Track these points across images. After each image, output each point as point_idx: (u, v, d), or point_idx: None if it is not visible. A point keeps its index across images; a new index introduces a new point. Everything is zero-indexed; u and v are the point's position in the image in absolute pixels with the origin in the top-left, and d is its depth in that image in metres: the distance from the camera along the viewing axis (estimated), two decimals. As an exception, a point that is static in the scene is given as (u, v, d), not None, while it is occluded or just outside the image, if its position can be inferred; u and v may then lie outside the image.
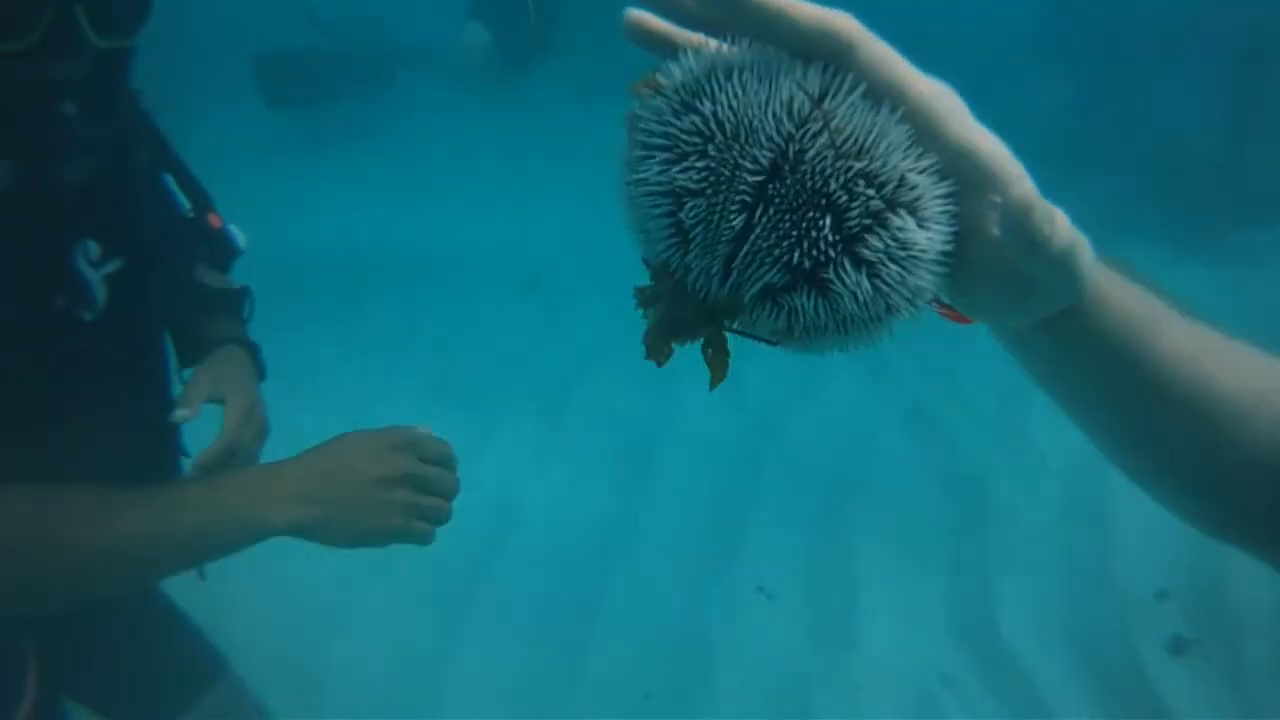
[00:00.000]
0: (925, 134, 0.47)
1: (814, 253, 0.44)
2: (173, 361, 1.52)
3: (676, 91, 0.47)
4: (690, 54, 0.48)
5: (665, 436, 3.83)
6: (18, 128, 1.13)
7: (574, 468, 3.67)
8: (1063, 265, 0.47)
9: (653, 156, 0.46)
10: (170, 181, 1.47)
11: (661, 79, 0.48)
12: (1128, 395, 0.59)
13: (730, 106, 0.45)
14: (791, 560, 3.24)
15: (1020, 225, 0.45)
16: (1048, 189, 0.46)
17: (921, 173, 0.46)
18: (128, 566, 1.20)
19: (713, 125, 0.45)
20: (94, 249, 1.29)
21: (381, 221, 5.66)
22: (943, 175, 0.47)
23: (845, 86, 0.45)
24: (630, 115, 0.49)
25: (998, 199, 0.46)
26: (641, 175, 0.47)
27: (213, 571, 1.39)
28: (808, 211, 0.44)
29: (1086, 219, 0.48)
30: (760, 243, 0.45)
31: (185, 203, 1.49)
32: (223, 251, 1.57)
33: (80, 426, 1.27)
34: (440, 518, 1.29)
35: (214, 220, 1.53)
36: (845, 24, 0.46)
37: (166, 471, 1.47)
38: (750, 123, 0.44)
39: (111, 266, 1.30)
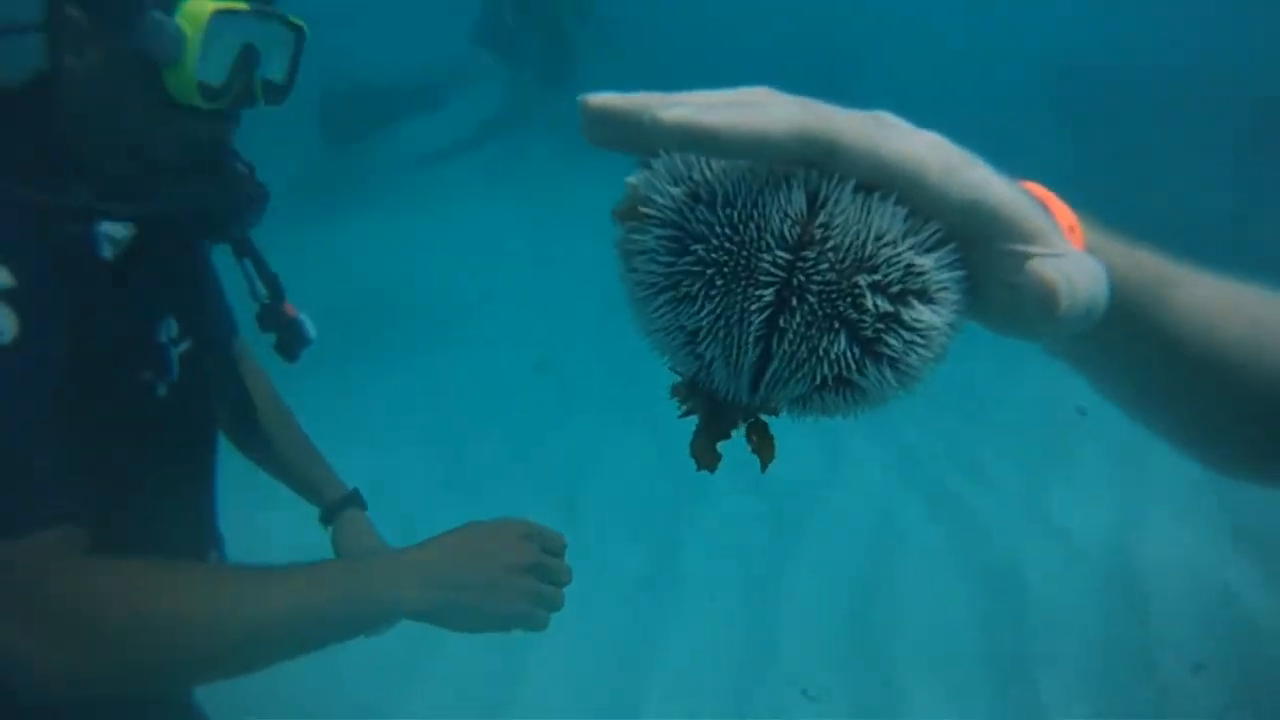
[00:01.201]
0: (924, 197, 0.45)
1: (835, 369, 0.45)
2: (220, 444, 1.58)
3: (663, 227, 0.46)
4: (667, 177, 0.46)
5: (687, 529, 3.82)
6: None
7: (595, 564, 3.62)
8: (1087, 318, 0.46)
9: (657, 295, 0.46)
10: (249, 267, 1.49)
11: (644, 208, 0.46)
12: (1148, 355, 0.63)
13: (723, 248, 0.44)
14: (831, 659, 3.24)
15: (1041, 302, 0.44)
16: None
17: (926, 250, 0.45)
18: (268, 643, 1.20)
19: (710, 269, 0.45)
20: (174, 326, 1.35)
21: (385, 279, 5.64)
22: (949, 235, 0.46)
23: (834, 195, 0.45)
24: (620, 246, 0.48)
25: (1017, 247, 0.46)
26: (650, 312, 0.47)
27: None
28: (822, 337, 0.45)
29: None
30: (781, 370, 0.46)
31: (262, 290, 1.51)
32: (294, 341, 1.58)
33: (144, 499, 1.31)
34: (557, 605, 1.36)
35: (289, 310, 1.55)
36: (821, 124, 0.44)
37: (204, 554, 1.51)
38: (748, 261, 0.44)
39: (185, 345, 1.37)
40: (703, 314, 0.45)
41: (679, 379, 0.50)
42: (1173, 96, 5.99)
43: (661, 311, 0.46)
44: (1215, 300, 0.65)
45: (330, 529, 1.71)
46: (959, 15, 7.34)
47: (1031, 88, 6.59)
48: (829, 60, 7.21)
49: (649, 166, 0.48)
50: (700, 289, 0.45)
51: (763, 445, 0.51)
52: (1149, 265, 0.59)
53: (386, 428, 4.48)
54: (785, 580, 3.57)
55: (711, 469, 0.50)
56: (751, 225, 0.44)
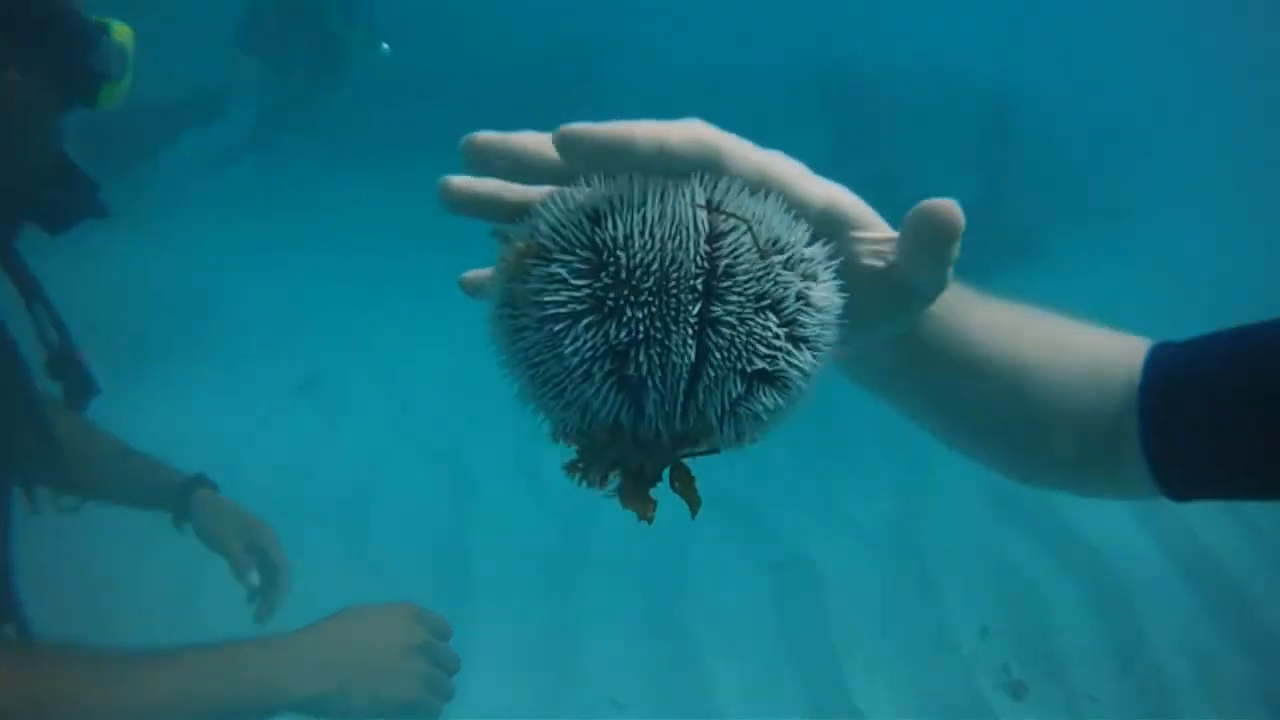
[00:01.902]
0: (793, 196, 0.52)
1: (768, 352, 0.46)
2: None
3: (570, 253, 0.46)
4: (551, 209, 0.48)
5: (477, 550, 3.71)
6: None
7: (387, 586, 3.45)
8: (941, 260, 0.55)
9: (570, 325, 0.45)
10: (39, 311, 1.48)
11: (541, 241, 0.47)
12: (954, 375, 0.70)
13: (645, 247, 0.45)
14: (636, 665, 3.21)
15: (942, 227, 0.53)
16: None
17: (811, 241, 0.50)
18: None
19: (638, 272, 0.45)
20: None
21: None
22: (815, 231, 0.51)
23: (732, 190, 0.48)
24: (501, 308, 0.48)
25: (859, 235, 0.56)
26: (563, 350, 0.45)
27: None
28: (755, 318, 0.46)
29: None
30: (717, 365, 0.46)
31: (52, 335, 1.50)
32: (82, 390, 1.57)
33: None
34: (449, 694, 1.32)
35: (77, 356, 1.54)
36: (708, 134, 0.50)
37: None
38: (674, 255, 0.45)
39: None
40: (638, 319, 0.44)
41: (585, 443, 0.48)
42: (924, 95, 6.37)
43: (585, 338, 0.45)
44: (1009, 319, 0.75)
45: (187, 525, 1.71)
46: (725, 14, 7.54)
47: (792, 85, 6.82)
48: (586, 58, 7.23)
49: (506, 232, 0.50)
50: (627, 297, 0.45)
51: (688, 488, 0.51)
52: (949, 290, 0.62)
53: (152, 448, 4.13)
54: (579, 590, 3.52)
55: (651, 519, 0.50)
56: (666, 221, 0.45)
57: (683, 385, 0.46)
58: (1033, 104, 7.03)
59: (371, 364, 4.81)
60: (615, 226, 0.45)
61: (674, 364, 0.45)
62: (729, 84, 6.74)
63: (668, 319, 0.45)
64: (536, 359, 0.47)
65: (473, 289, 0.58)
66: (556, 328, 0.45)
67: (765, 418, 0.48)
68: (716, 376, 0.46)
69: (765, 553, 3.70)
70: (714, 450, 0.50)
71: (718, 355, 0.45)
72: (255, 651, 1.23)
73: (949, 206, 0.52)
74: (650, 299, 0.44)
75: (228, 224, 6.07)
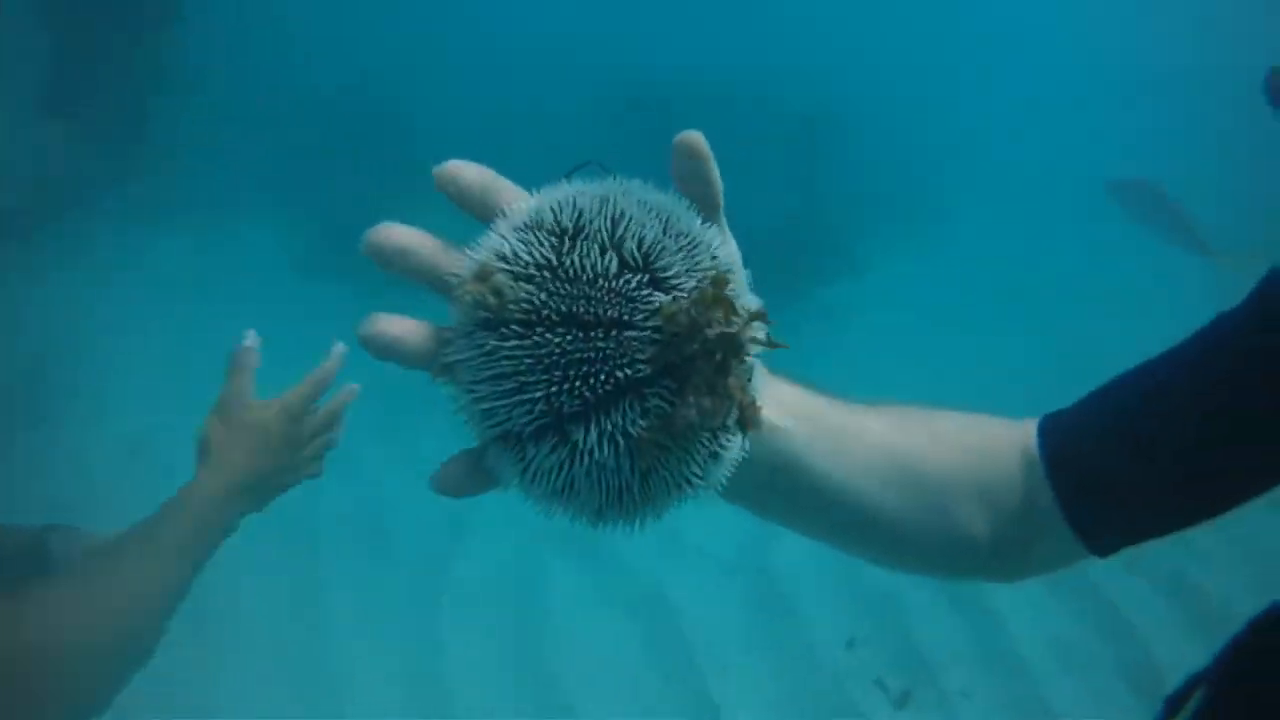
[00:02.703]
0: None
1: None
2: None
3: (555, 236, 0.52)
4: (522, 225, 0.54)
5: (335, 603, 3.50)
6: None
7: (245, 644, 3.25)
8: (705, 180, 0.60)
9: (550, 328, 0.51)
10: None
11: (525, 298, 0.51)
12: (849, 492, 0.74)
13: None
14: (508, 711, 3.12)
15: None
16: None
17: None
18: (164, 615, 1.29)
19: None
20: None
21: None
22: None
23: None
24: (469, 317, 0.52)
25: None
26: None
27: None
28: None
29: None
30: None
31: None
32: None
33: None
34: (334, 444, 1.54)
35: None
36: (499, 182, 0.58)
37: None
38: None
39: None
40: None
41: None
42: (734, 114, 6.48)
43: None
44: (885, 425, 0.78)
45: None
46: (529, 38, 7.53)
47: (604, 115, 6.84)
48: (393, 95, 7.10)
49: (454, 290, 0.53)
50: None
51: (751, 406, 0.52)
52: (819, 405, 0.71)
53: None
54: (443, 644, 3.38)
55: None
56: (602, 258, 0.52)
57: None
58: (846, 117, 7.26)
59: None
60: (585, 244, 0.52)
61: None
62: (540, 118, 6.73)
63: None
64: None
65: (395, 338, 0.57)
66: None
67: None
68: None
69: (623, 590, 3.65)
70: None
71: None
72: (191, 505, 1.35)
73: (689, 136, 0.57)
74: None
75: (54, 286, 5.72)
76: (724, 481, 0.57)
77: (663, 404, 0.51)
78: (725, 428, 0.53)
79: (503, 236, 0.53)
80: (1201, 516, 0.78)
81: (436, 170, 0.57)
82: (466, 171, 0.57)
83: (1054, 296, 5.91)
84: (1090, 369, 0.88)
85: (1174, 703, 0.76)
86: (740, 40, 7.40)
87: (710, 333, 0.49)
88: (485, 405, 0.52)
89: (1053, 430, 0.80)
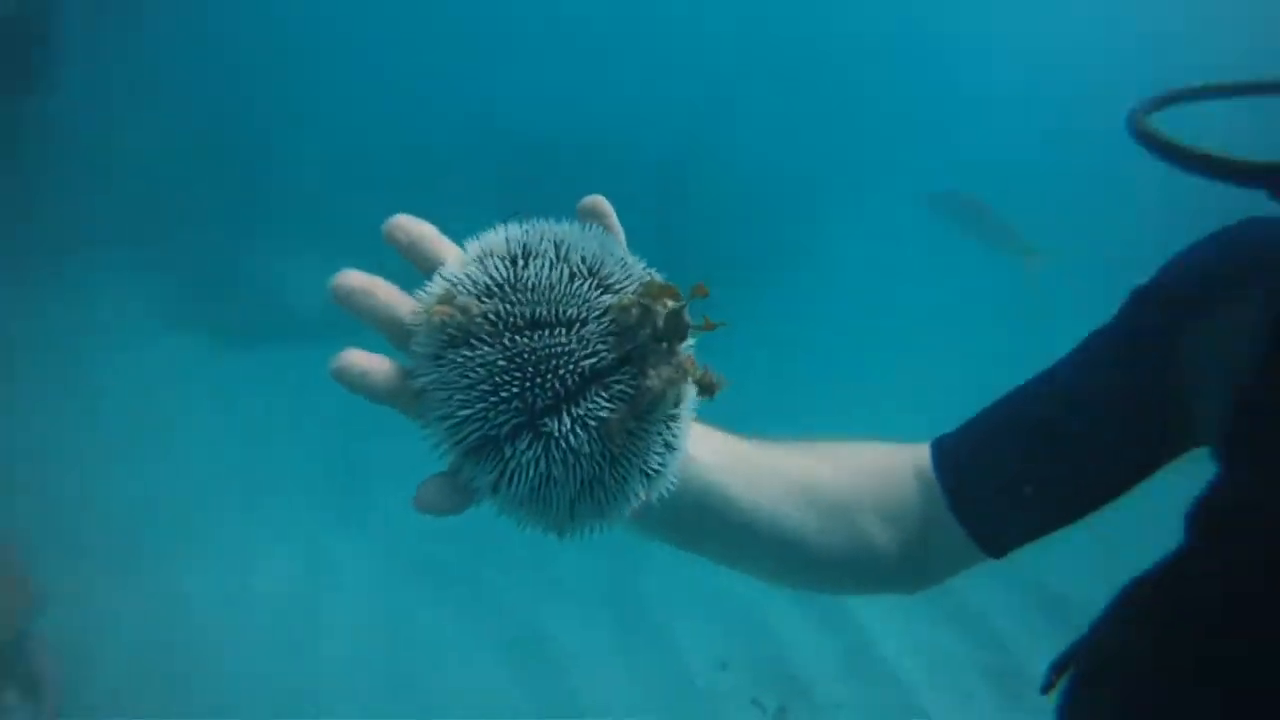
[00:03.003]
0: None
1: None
2: None
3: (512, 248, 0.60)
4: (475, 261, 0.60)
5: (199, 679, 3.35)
6: None
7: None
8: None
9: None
10: None
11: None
12: (772, 524, 0.82)
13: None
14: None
15: None
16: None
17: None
18: None
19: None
20: None
21: None
22: None
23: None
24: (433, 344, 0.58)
25: None
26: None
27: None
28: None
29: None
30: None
31: None
32: None
33: None
34: None
35: None
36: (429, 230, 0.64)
37: None
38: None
39: None
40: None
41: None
42: (587, 160, 6.56)
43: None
44: (788, 456, 0.87)
45: None
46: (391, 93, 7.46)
47: (469, 165, 6.83)
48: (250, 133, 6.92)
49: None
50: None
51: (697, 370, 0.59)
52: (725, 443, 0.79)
53: None
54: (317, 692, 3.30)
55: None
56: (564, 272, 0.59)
57: None
58: (707, 159, 7.45)
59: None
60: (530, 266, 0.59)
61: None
62: (405, 165, 6.68)
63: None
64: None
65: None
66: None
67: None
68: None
69: (498, 630, 3.63)
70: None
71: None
72: None
73: (591, 199, 0.66)
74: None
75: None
76: (674, 480, 0.63)
77: (625, 389, 0.57)
78: (676, 417, 0.60)
79: (454, 270, 0.59)
80: (1079, 514, 0.87)
81: (387, 224, 0.62)
82: (415, 225, 0.63)
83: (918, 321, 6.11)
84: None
85: (1056, 670, 0.86)
86: (600, 91, 7.51)
87: (659, 317, 0.56)
88: (461, 415, 0.57)
89: (944, 448, 0.91)
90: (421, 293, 0.60)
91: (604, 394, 0.57)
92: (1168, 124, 0.82)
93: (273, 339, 5.09)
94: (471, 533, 3.99)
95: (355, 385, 0.59)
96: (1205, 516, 0.77)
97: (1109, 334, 0.87)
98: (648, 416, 0.58)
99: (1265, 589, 0.71)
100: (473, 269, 0.59)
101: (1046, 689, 0.86)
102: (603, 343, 0.57)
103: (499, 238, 0.61)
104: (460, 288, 0.58)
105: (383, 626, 3.59)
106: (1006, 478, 0.87)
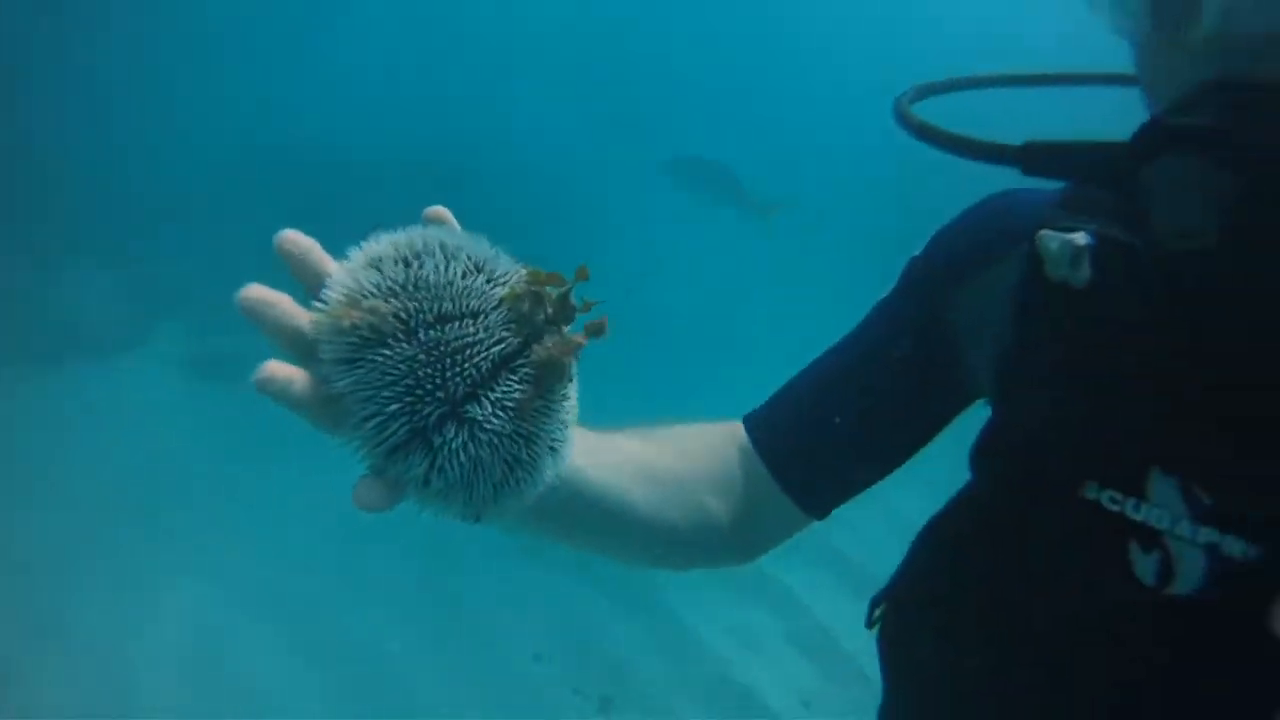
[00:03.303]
0: None
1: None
2: None
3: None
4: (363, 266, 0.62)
5: None
6: None
7: None
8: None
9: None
10: None
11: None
12: (619, 503, 0.88)
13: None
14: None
15: None
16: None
17: None
18: None
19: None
20: None
21: None
22: None
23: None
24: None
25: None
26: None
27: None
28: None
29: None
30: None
31: None
32: None
33: None
34: None
35: None
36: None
37: None
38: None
39: None
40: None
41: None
42: (371, 162, 6.51)
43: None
44: (625, 441, 0.93)
45: None
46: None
47: (227, 165, 6.61)
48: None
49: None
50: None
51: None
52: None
53: None
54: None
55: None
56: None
57: None
58: (485, 161, 7.50)
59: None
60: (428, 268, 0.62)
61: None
62: (179, 180, 6.43)
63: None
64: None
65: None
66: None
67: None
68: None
69: (309, 636, 3.56)
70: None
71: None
72: None
73: (433, 209, 0.69)
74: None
75: None
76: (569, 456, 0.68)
77: (529, 371, 0.61)
78: (567, 395, 0.65)
79: (348, 278, 0.61)
80: (886, 468, 0.97)
81: (279, 237, 0.64)
82: (303, 239, 0.64)
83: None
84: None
85: (875, 604, 0.94)
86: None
87: (550, 302, 0.61)
88: (389, 411, 0.59)
89: (756, 422, 0.99)
90: (319, 302, 0.61)
91: (514, 377, 0.61)
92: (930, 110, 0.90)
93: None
94: (276, 546, 3.89)
95: (279, 396, 0.60)
96: (978, 454, 0.87)
97: (890, 302, 0.96)
98: (550, 392, 0.63)
99: (1025, 507, 0.82)
100: (367, 275, 0.61)
101: (870, 623, 0.94)
102: (505, 330, 0.61)
103: (383, 245, 0.63)
104: (362, 293, 0.60)
105: (198, 645, 3.50)
106: (815, 440, 0.96)
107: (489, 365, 0.60)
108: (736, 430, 0.99)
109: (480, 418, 0.60)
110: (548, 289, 0.62)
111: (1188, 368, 0.74)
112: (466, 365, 0.59)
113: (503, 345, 0.61)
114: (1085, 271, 0.78)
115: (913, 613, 0.92)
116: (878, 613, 0.94)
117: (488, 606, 3.72)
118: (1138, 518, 0.76)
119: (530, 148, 8.06)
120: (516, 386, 0.61)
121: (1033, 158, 0.76)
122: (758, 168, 7.29)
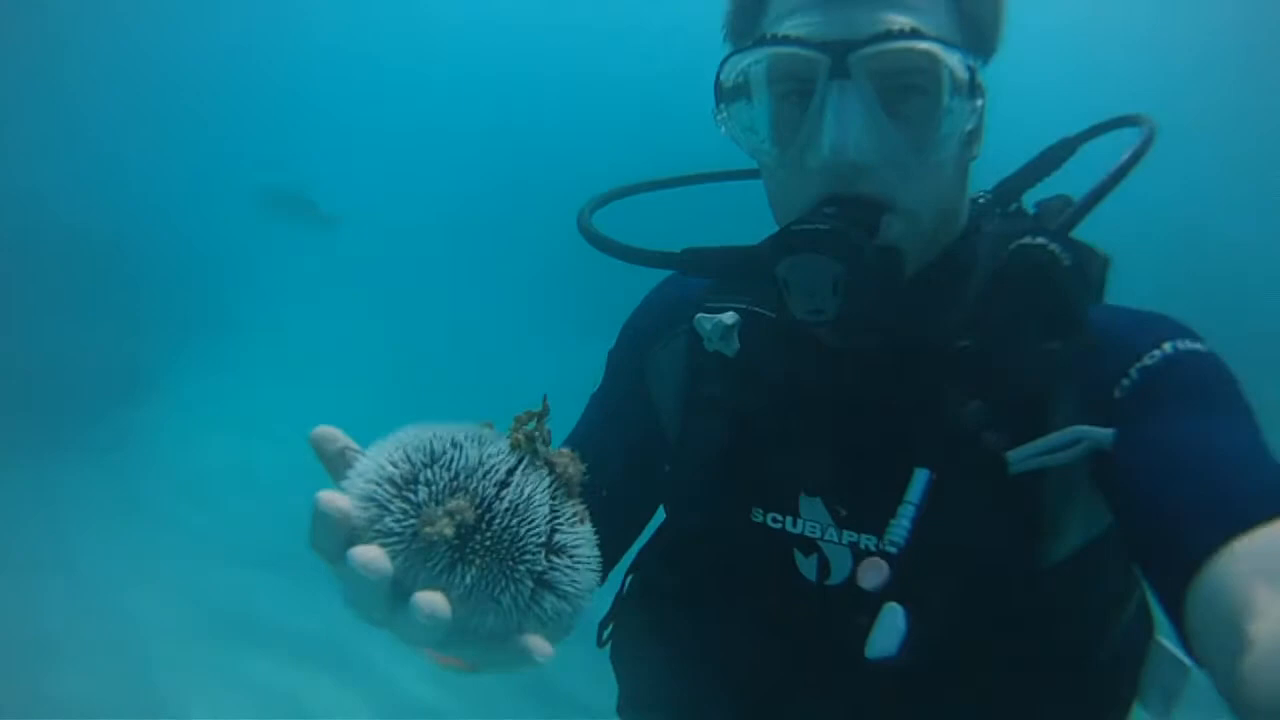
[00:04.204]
0: None
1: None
2: None
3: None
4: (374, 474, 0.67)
5: None
6: None
7: None
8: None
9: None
10: None
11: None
12: None
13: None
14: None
15: None
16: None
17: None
18: None
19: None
20: None
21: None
22: None
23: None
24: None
25: None
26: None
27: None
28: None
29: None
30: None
31: None
32: None
33: None
34: None
35: None
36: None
37: None
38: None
39: None
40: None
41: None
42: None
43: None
44: None
45: None
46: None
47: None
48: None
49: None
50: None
51: None
52: None
53: None
54: None
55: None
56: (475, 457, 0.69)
57: None
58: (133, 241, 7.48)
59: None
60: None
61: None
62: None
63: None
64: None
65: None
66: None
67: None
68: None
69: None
70: None
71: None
72: None
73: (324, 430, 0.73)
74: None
75: None
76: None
77: (562, 489, 0.70)
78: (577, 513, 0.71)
79: (386, 495, 0.66)
80: (625, 543, 1.13)
81: (315, 434, 0.70)
82: (336, 433, 0.71)
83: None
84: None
85: (602, 625, 1.12)
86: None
87: (537, 438, 0.70)
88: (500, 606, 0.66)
89: None
90: (351, 486, 0.67)
91: (560, 520, 0.69)
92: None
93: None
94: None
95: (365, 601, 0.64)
96: (666, 494, 1.10)
97: (601, 392, 1.18)
98: (565, 501, 0.71)
99: (706, 533, 1.05)
100: (399, 485, 0.66)
101: (601, 643, 1.14)
102: (531, 477, 0.69)
103: (401, 450, 0.68)
104: (436, 498, 0.65)
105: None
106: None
107: (545, 517, 0.68)
108: None
109: (564, 579, 0.68)
110: (527, 426, 0.70)
111: (815, 412, 0.99)
112: (528, 532, 0.67)
113: (542, 488, 0.69)
114: (735, 343, 1.02)
115: (633, 621, 1.12)
116: (606, 634, 1.14)
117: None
118: (796, 531, 1.00)
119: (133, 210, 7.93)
120: (568, 532, 0.69)
121: (690, 262, 0.98)
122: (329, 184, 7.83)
